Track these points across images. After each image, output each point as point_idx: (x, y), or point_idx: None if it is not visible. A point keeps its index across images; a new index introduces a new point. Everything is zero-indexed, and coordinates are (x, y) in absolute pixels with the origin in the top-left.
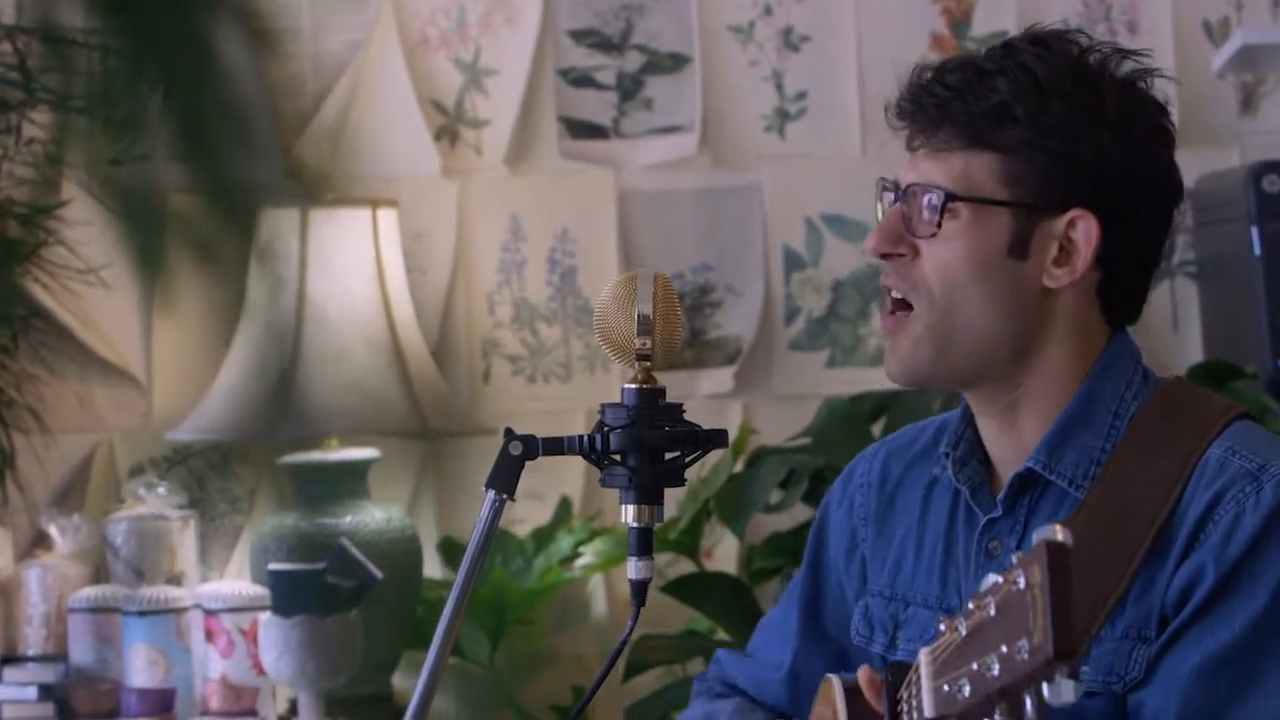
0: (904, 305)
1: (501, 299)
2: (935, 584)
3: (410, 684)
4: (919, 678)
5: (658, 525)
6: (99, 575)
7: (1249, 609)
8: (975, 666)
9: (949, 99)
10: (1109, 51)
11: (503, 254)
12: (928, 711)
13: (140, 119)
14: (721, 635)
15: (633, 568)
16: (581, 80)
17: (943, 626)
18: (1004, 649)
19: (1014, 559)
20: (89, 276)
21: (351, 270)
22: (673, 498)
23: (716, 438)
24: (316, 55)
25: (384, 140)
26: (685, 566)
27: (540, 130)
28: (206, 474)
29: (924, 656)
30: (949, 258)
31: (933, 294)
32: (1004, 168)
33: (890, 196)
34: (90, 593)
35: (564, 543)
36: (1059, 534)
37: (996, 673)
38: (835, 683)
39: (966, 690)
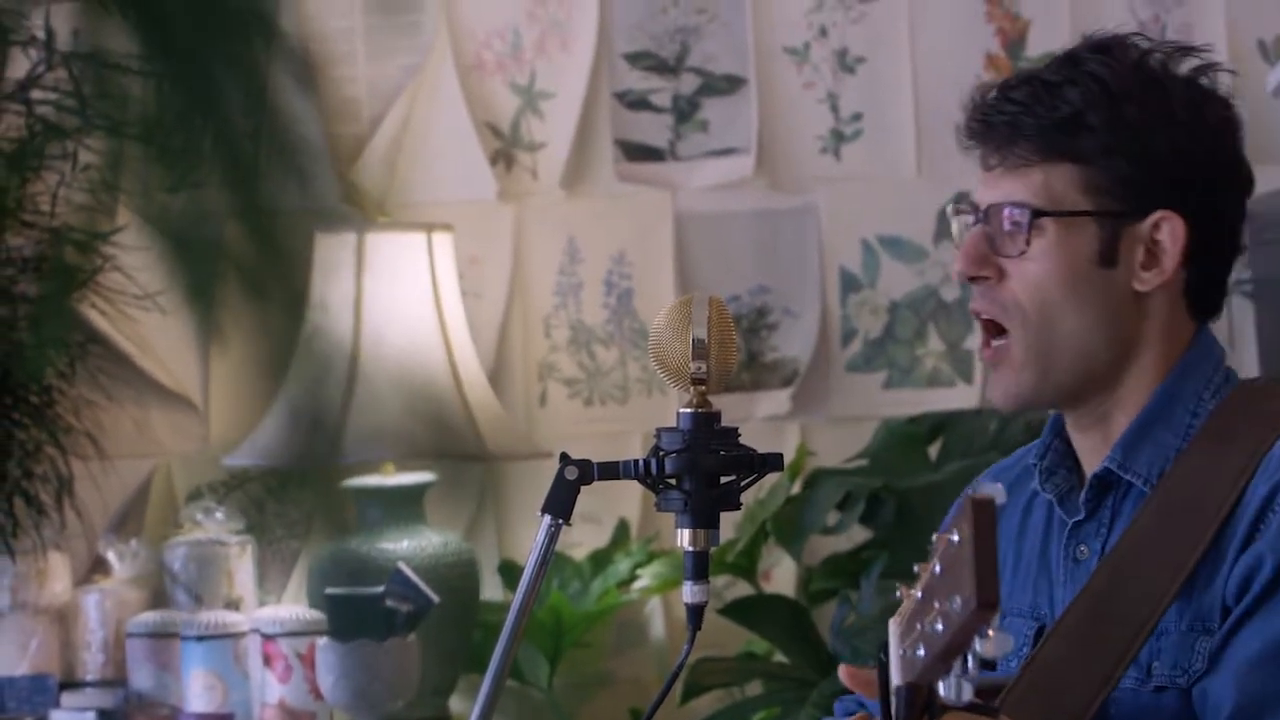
0: (997, 329)
1: (558, 322)
2: (1029, 593)
3: (468, 708)
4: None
5: (715, 548)
6: (157, 600)
7: None
8: (926, 627)
9: (1019, 114)
10: (1170, 51)
11: (559, 277)
12: (895, 679)
13: (193, 147)
14: (779, 657)
15: (688, 591)
16: (637, 103)
17: (901, 593)
18: (946, 605)
19: (951, 519)
20: (146, 302)
21: (408, 295)
22: (730, 519)
23: (772, 461)
24: (371, 80)
25: (439, 164)
26: (743, 589)
27: (596, 153)
28: (264, 499)
29: (891, 625)
30: (1040, 275)
31: (1026, 314)
32: (1084, 177)
33: (969, 218)
34: (148, 618)
35: (622, 565)
36: (984, 490)
37: (941, 629)
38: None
39: (921, 651)
